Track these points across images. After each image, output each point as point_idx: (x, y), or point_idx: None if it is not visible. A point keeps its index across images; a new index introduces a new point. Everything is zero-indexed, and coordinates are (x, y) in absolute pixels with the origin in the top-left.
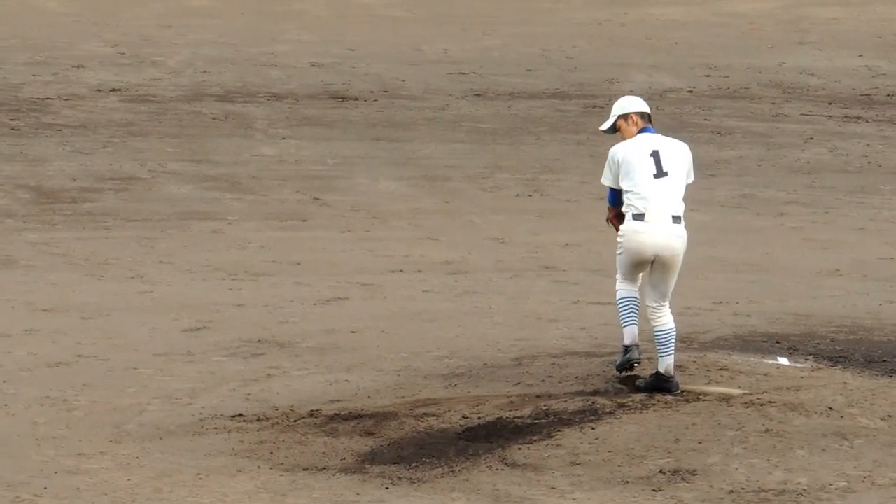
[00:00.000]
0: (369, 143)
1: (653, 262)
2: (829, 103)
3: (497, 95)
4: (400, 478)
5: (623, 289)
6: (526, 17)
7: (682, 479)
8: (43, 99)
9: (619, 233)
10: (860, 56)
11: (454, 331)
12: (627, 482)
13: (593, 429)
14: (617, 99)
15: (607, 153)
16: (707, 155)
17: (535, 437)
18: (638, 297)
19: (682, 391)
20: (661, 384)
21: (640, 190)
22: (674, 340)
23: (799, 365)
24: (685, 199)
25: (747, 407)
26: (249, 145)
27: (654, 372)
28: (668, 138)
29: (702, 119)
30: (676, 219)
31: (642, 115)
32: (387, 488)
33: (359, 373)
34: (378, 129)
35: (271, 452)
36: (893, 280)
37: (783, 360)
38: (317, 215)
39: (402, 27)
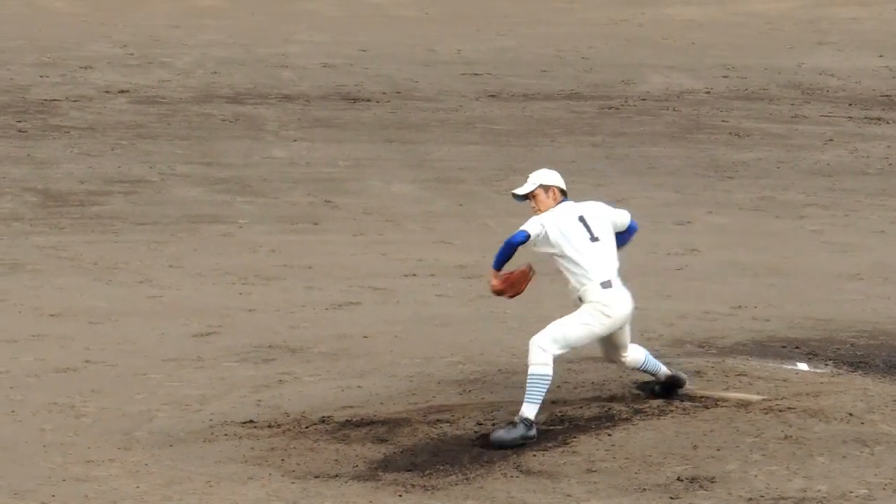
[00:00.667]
0: (382, 144)
1: None
2: (849, 104)
3: (511, 96)
4: (413, 485)
5: (551, 365)
6: (541, 16)
7: (700, 486)
8: (50, 100)
9: (594, 304)
10: (880, 56)
11: (468, 336)
12: (644, 489)
13: (609, 435)
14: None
15: (621, 156)
16: (725, 157)
17: (550, 444)
18: None
19: (701, 396)
20: (673, 383)
21: (582, 259)
22: (652, 363)
23: (819, 370)
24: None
25: (766, 413)
26: (260, 147)
27: (666, 375)
28: (583, 203)
29: (719, 120)
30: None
31: (563, 191)
32: (400, 496)
33: (371, 379)
34: (390, 131)
35: (282, 459)
36: None
37: (803, 366)
38: (328, 218)
39: (415, 27)
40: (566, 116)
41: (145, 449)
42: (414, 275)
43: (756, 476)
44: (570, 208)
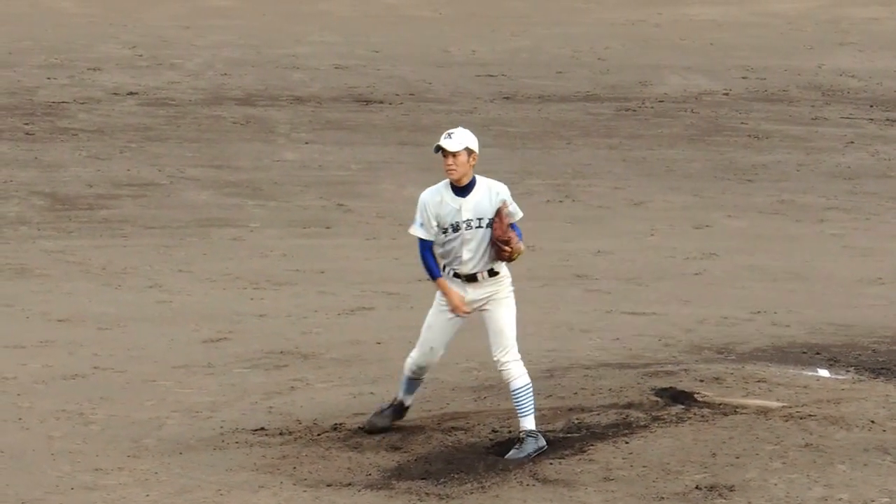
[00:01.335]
0: (395, 147)
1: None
2: (871, 106)
3: (527, 98)
4: (428, 494)
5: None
6: (557, 17)
7: (719, 494)
8: (58, 102)
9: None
10: None
11: (483, 341)
12: (662, 498)
13: (627, 443)
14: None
15: (638, 159)
16: (744, 159)
17: (567, 452)
18: None
19: (720, 403)
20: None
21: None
22: (530, 398)
23: (839, 377)
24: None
25: (786, 420)
26: (271, 150)
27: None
28: (486, 181)
29: (738, 122)
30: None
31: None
32: None
33: (384, 385)
34: (404, 133)
35: (294, 468)
36: None
37: (823, 372)
38: (341, 222)
39: (429, 28)
40: (582, 118)
41: (155, 457)
42: (428, 279)
43: (776, 484)
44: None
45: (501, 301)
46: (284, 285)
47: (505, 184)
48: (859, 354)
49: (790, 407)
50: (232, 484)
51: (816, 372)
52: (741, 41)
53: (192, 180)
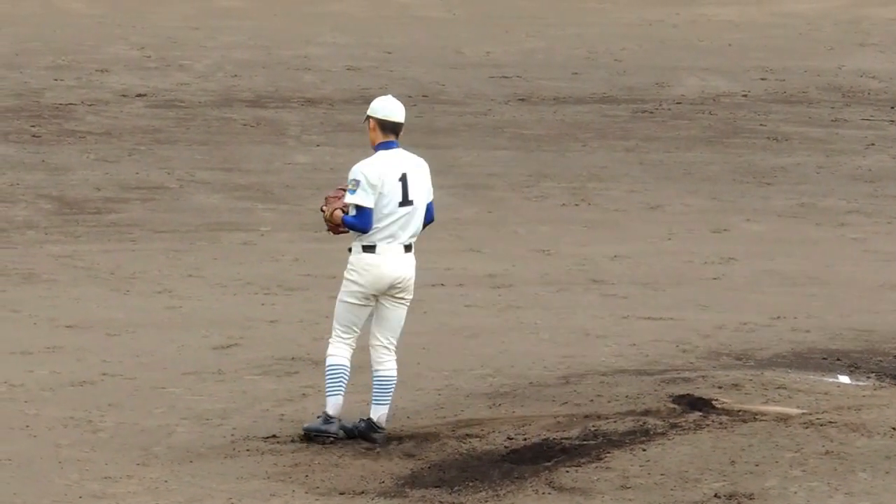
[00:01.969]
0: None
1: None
2: (892, 107)
3: (542, 100)
4: (442, 502)
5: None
6: (572, 17)
7: (738, 503)
8: (66, 104)
9: (351, 268)
10: None
11: (498, 347)
12: None
13: (644, 450)
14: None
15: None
16: (763, 162)
17: (583, 460)
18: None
19: (739, 410)
20: (368, 433)
21: (391, 219)
22: (393, 389)
23: (860, 383)
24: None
25: (806, 427)
26: (282, 153)
27: (365, 418)
28: (412, 157)
29: (757, 124)
30: (409, 248)
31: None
32: None
33: (398, 392)
34: (417, 136)
35: (306, 476)
36: None
37: (844, 378)
38: None
39: (442, 28)
40: (598, 120)
41: (164, 465)
42: (441, 284)
43: (796, 492)
44: (396, 161)
45: None
46: (296, 290)
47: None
48: (880, 360)
49: (810, 414)
50: (243, 492)
51: (837, 378)
52: (760, 42)
53: (201, 183)
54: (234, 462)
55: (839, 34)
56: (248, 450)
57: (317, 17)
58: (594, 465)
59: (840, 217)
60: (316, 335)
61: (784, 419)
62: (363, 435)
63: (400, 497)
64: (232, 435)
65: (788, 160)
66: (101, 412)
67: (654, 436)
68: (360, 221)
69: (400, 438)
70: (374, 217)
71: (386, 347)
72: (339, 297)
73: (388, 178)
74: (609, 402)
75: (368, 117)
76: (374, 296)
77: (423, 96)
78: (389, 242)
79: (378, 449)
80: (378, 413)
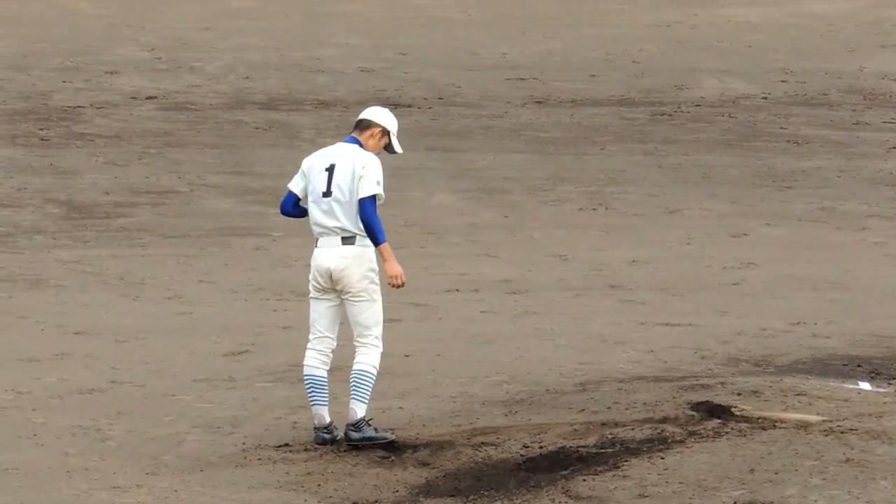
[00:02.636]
0: (423, 153)
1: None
2: None
3: (559, 102)
4: None
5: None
6: (590, 18)
7: None
8: (74, 107)
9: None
10: None
11: (514, 354)
12: None
13: (662, 458)
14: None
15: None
16: (783, 165)
17: (600, 468)
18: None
19: (758, 417)
20: (346, 432)
21: (311, 210)
22: (365, 384)
23: (882, 390)
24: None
25: (827, 435)
26: (295, 156)
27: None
28: (350, 149)
29: (777, 127)
30: (347, 240)
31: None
32: None
33: (413, 399)
34: (432, 139)
35: (319, 485)
36: None
37: (865, 385)
38: None
39: (458, 29)
40: (616, 123)
41: (174, 474)
42: (457, 290)
43: (816, 501)
44: (332, 152)
45: None
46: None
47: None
48: None
49: (830, 421)
50: (254, 502)
51: (858, 385)
52: (780, 43)
53: (212, 187)
54: (246, 471)
55: (860, 35)
56: (259, 458)
57: (330, 17)
58: (611, 473)
59: (861, 221)
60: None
61: (804, 426)
62: (345, 436)
63: None
64: (243, 443)
65: (809, 163)
66: (109, 420)
67: (672, 443)
68: (281, 202)
69: (415, 447)
70: (308, 207)
71: (357, 342)
72: None
73: (315, 167)
74: (626, 409)
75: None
76: (329, 290)
77: (439, 98)
78: (323, 235)
79: (392, 458)
80: (351, 408)
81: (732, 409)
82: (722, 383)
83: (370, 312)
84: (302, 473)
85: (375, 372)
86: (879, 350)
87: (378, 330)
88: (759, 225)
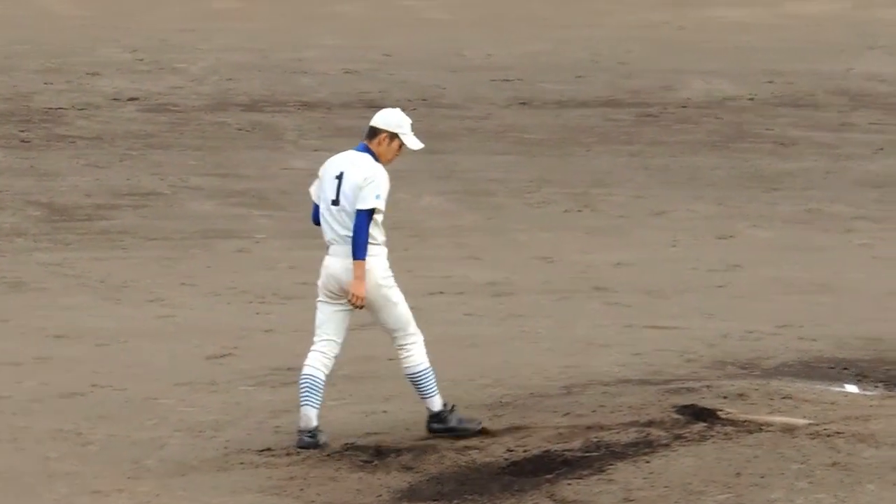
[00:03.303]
0: (407, 155)
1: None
2: None
3: (544, 104)
4: None
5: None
6: (576, 19)
7: None
8: (55, 109)
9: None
10: None
11: (498, 357)
12: None
13: (648, 462)
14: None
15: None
16: (769, 167)
17: (585, 472)
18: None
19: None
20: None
21: (323, 216)
22: (424, 380)
23: (869, 393)
24: None
25: (813, 438)
26: (278, 158)
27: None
28: (358, 158)
29: (763, 128)
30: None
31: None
32: None
33: (397, 403)
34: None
35: (302, 489)
36: None
37: (851, 388)
38: None
39: (443, 30)
40: (602, 125)
41: (156, 478)
42: (441, 293)
43: None
44: (342, 160)
45: None
46: (292, 299)
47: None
48: (889, 369)
49: (817, 424)
50: None
51: (844, 388)
52: (767, 44)
53: (195, 189)
54: (228, 475)
55: (848, 36)
56: (241, 463)
57: (314, 18)
58: (596, 477)
59: (847, 223)
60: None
61: (790, 430)
62: (429, 429)
63: None
64: (225, 447)
65: (795, 165)
66: (91, 424)
67: (657, 447)
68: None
69: (398, 451)
70: (320, 211)
71: (396, 344)
72: None
73: (328, 173)
74: (612, 412)
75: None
76: (341, 297)
77: (423, 100)
78: (333, 243)
79: (376, 462)
80: (427, 407)
81: (718, 413)
82: (708, 386)
83: (395, 315)
84: (284, 478)
85: (427, 364)
86: (866, 353)
87: (411, 327)
88: (746, 227)
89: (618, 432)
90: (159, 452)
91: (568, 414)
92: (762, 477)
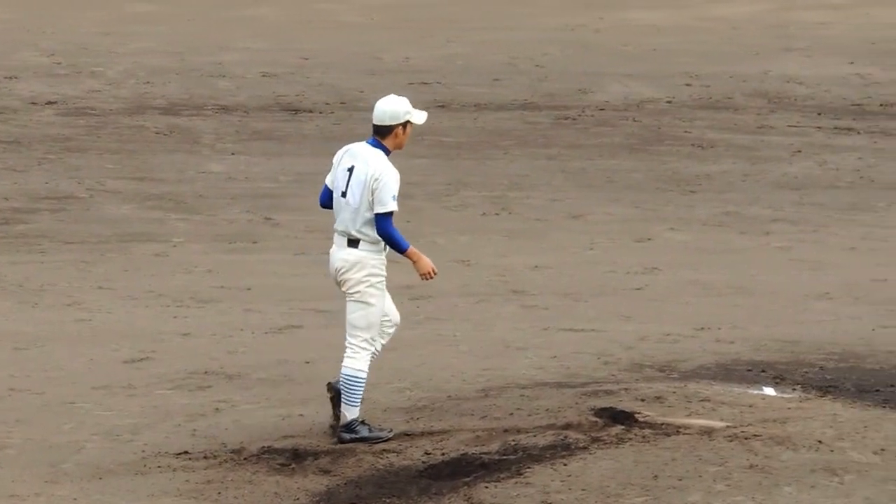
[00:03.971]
0: (325, 158)
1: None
2: (818, 114)
3: (462, 107)
4: None
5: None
6: (493, 22)
7: None
8: None
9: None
10: (851, 63)
11: (416, 360)
12: None
13: (565, 465)
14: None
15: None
16: (687, 170)
17: (502, 475)
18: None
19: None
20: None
21: (335, 202)
22: (351, 388)
23: (786, 395)
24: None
25: (731, 441)
26: (196, 161)
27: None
28: (370, 154)
29: (682, 131)
30: (352, 242)
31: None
32: None
33: (314, 407)
34: (334, 144)
35: (219, 493)
36: (886, 303)
37: (769, 390)
38: (268, 236)
39: (361, 34)
40: (520, 128)
41: (74, 482)
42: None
43: None
44: (355, 152)
45: None
46: (209, 303)
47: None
48: (806, 372)
49: (734, 427)
50: None
51: (762, 390)
52: (685, 47)
53: (112, 193)
54: (145, 479)
55: (765, 39)
56: (159, 466)
57: (232, 22)
58: (514, 480)
59: (765, 225)
60: (230, 348)
61: (708, 432)
62: (338, 438)
63: None
64: (143, 451)
65: (713, 168)
66: (8, 428)
67: (575, 450)
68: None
69: (316, 454)
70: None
71: (347, 343)
72: None
73: (341, 163)
74: (529, 415)
75: None
76: (337, 284)
77: (341, 103)
78: (336, 232)
79: (293, 465)
80: (342, 413)
81: (636, 416)
82: (625, 389)
83: (361, 314)
84: (202, 481)
85: (363, 375)
86: (783, 355)
87: (367, 334)
88: (663, 230)
89: (535, 435)
90: (77, 456)
91: (485, 417)
92: (680, 480)
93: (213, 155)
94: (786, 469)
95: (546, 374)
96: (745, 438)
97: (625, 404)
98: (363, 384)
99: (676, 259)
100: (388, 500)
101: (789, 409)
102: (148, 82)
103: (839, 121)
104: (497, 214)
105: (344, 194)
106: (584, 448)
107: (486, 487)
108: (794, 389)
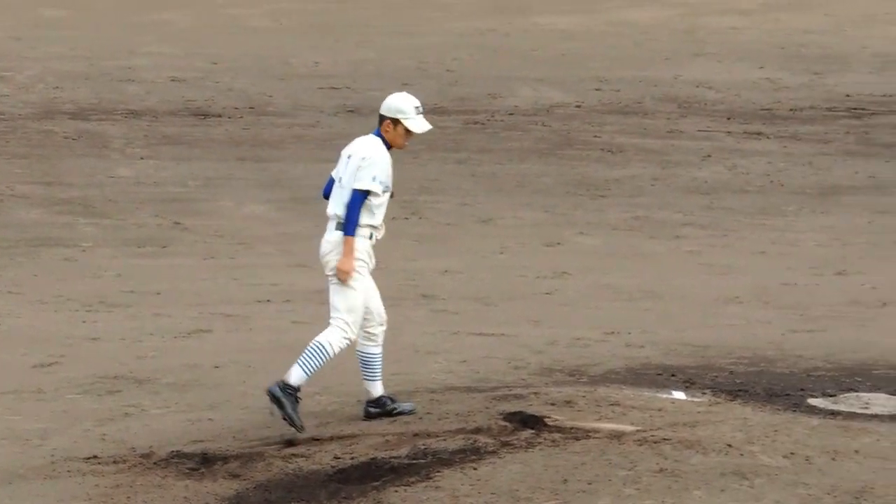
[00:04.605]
0: (234, 163)
1: None
2: (728, 118)
3: (372, 111)
4: None
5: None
6: (402, 27)
7: None
8: None
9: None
10: (761, 68)
11: (326, 365)
12: None
13: (475, 469)
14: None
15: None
16: (597, 174)
17: (412, 479)
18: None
19: (571, 427)
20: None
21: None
22: (311, 355)
23: (696, 399)
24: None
25: (640, 445)
26: (105, 166)
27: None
28: (365, 142)
29: (591, 136)
30: (339, 226)
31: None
32: None
33: (223, 411)
34: (243, 149)
35: (128, 497)
36: (796, 308)
37: (679, 395)
38: (177, 241)
39: (270, 39)
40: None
41: None
42: (268, 301)
43: None
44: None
45: None
46: (118, 307)
47: None
48: (716, 376)
49: (644, 431)
50: None
51: (671, 394)
52: (594, 52)
53: (21, 198)
54: (55, 483)
55: (675, 43)
56: (68, 471)
57: (141, 27)
58: (423, 484)
59: (675, 230)
60: (139, 353)
61: (618, 436)
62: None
63: None
64: (52, 455)
65: (623, 172)
66: None
67: (484, 454)
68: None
69: (225, 458)
70: None
71: (329, 321)
72: None
73: (343, 153)
74: (439, 419)
75: None
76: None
77: (250, 108)
78: (329, 219)
79: (203, 469)
80: (290, 370)
81: (545, 420)
82: (535, 393)
83: (341, 296)
84: (111, 486)
85: (329, 348)
86: (693, 359)
87: (348, 317)
88: (573, 234)
89: (445, 439)
90: None
91: (395, 421)
92: (589, 483)
93: (123, 159)
94: (695, 473)
95: (456, 379)
96: (655, 442)
97: (534, 408)
98: (324, 359)
99: (586, 263)
100: None
101: (699, 413)
102: (57, 87)
103: (749, 125)
104: (406, 219)
105: (340, 180)
106: (494, 452)
107: (396, 491)
108: (704, 393)
